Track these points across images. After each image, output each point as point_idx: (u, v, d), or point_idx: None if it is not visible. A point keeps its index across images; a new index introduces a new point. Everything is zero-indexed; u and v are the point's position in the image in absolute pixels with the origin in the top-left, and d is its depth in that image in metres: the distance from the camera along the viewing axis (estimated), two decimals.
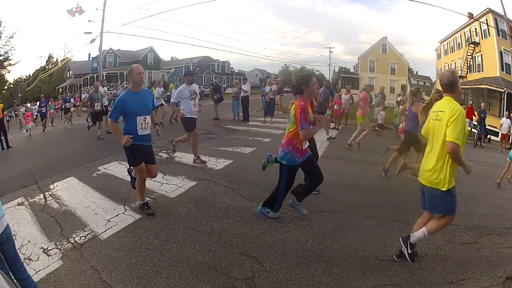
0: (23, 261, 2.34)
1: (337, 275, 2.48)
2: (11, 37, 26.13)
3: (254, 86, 24.34)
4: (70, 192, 4.40)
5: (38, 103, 18.79)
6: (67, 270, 2.58)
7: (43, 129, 13.14)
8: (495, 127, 13.00)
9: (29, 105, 19.13)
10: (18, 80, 31.35)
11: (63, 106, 13.54)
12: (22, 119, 18.12)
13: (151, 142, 3.59)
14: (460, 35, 19.76)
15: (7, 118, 16.54)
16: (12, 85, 30.90)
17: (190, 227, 3.22)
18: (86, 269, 2.57)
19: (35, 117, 16.67)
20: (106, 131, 9.14)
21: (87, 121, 11.35)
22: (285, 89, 15.76)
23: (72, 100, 15.93)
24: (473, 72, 18.49)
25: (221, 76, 33.46)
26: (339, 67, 29.58)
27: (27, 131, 12.91)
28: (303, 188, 3.33)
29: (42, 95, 16.67)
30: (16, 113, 23.49)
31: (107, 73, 25.90)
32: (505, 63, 15.95)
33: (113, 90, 13.22)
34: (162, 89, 11.49)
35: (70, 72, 29.15)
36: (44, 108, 13.72)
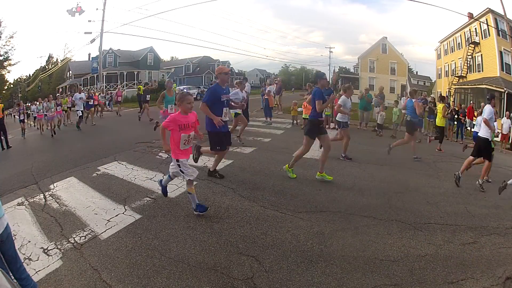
0: (23, 261, 2.35)
1: (337, 275, 2.48)
2: (11, 37, 26.06)
3: (254, 86, 24.37)
4: (70, 192, 4.39)
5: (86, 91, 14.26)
6: (67, 270, 2.58)
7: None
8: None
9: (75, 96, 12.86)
10: (18, 80, 31.33)
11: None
12: (45, 117, 12.23)
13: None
14: (460, 35, 19.76)
15: (20, 119, 12.56)
16: (12, 85, 30.91)
17: (190, 227, 3.22)
18: (86, 269, 2.57)
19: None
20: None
21: None
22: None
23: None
24: (473, 72, 18.49)
25: None
26: (339, 67, 29.50)
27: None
28: None
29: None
30: (28, 111, 15.38)
31: (107, 73, 25.90)
32: (505, 63, 15.96)
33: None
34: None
35: (70, 72, 29.13)
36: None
